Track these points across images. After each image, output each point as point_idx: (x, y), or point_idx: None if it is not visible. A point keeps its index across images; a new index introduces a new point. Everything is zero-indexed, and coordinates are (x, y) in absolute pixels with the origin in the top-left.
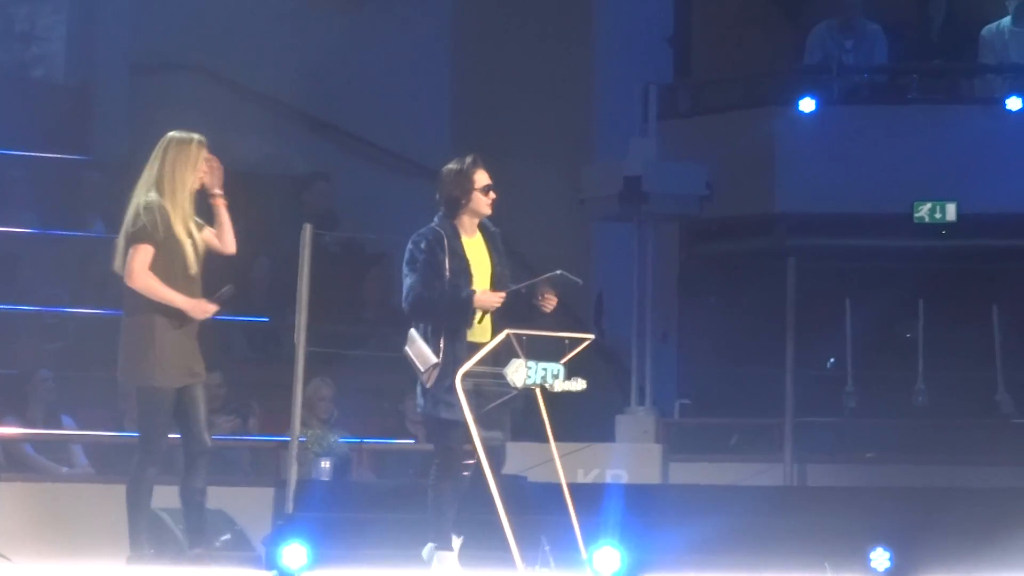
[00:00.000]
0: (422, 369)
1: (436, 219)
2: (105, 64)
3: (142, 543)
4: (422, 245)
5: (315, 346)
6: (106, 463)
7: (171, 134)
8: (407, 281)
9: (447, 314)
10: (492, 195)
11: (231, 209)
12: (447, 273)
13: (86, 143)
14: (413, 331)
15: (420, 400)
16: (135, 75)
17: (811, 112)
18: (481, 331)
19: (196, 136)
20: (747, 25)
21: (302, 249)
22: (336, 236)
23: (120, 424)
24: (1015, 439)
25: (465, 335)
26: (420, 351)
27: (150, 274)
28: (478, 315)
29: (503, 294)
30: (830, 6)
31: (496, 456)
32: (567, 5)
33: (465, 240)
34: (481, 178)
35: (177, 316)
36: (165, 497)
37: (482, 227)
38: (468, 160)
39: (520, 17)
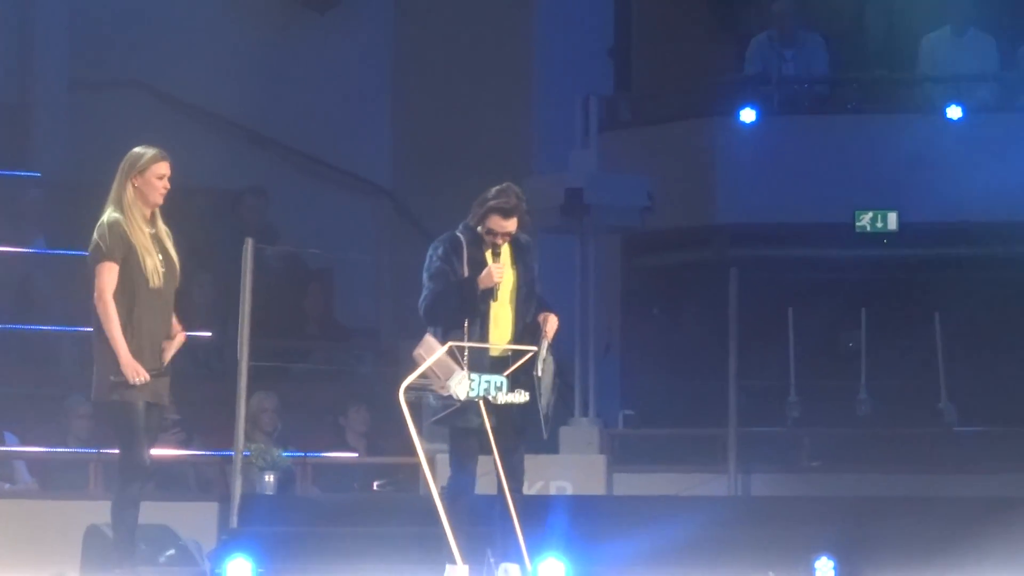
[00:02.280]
0: (440, 376)
1: (460, 225)
2: (44, 81)
3: (126, 561)
4: (439, 251)
5: (258, 361)
6: (49, 480)
7: (133, 149)
8: (425, 288)
9: (457, 302)
10: (498, 240)
11: (173, 223)
12: (461, 275)
13: (26, 160)
14: (430, 337)
15: (433, 404)
16: (74, 91)
17: (752, 123)
18: (504, 330)
19: (152, 150)
20: (687, 36)
21: (244, 264)
22: (277, 250)
23: (64, 440)
24: (958, 448)
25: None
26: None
27: (111, 303)
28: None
29: (500, 265)
30: (769, 17)
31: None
32: (507, 18)
33: (487, 251)
34: (492, 223)
35: (146, 333)
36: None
37: (513, 238)
38: (493, 203)
39: (460, 30)
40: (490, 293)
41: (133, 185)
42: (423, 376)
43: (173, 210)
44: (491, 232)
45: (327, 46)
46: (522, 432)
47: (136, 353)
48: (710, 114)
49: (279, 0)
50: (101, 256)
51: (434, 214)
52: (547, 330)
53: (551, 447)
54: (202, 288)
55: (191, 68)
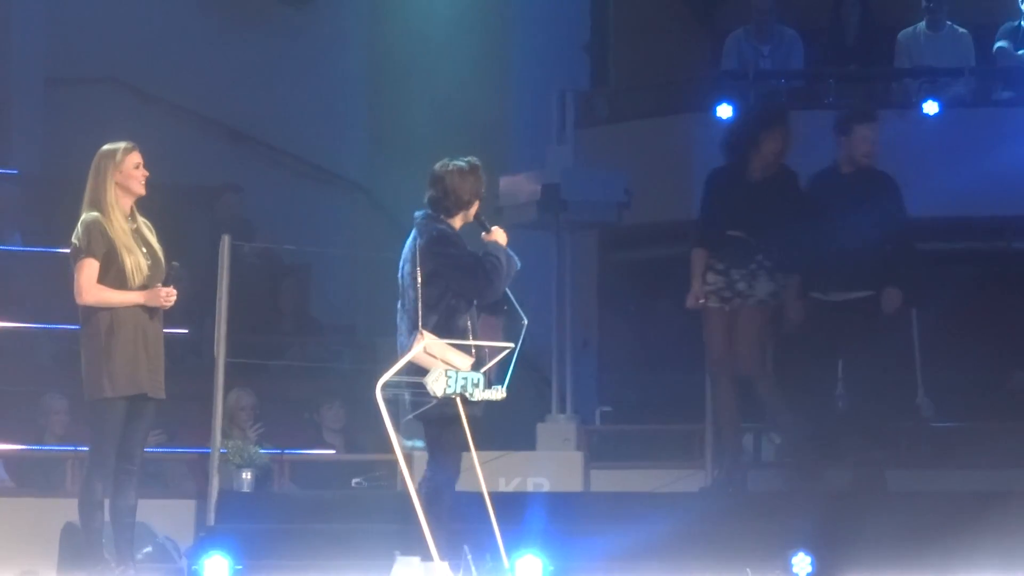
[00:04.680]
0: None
1: (427, 219)
2: (21, 77)
3: (98, 559)
4: (455, 242)
5: (234, 357)
6: (26, 477)
7: (103, 148)
8: (459, 274)
9: (507, 267)
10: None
11: (149, 220)
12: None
13: (2, 157)
14: (429, 335)
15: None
16: (51, 88)
17: (728, 118)
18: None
19: (123, 144)
20: (664, 32)
21: (220, 260)
22: (254, 247)
23: (40, 438)
24: (935, 442)
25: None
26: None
27: (98, 286)
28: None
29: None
30: (745, 12)
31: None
32: (483, 13)
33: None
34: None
35: (132, 327)
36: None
37: None
38: (477, 164)
39: (436, 25)
40: None
41: (114, 181)
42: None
43: (149, 207)
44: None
45: (302, 42)
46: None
47: (122, 352)
48: (687, 110)
49: None
50: (79, 253)
51: (410, 210)
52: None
53: (528, 444)
54: (178, 284)
55: (167, 65)
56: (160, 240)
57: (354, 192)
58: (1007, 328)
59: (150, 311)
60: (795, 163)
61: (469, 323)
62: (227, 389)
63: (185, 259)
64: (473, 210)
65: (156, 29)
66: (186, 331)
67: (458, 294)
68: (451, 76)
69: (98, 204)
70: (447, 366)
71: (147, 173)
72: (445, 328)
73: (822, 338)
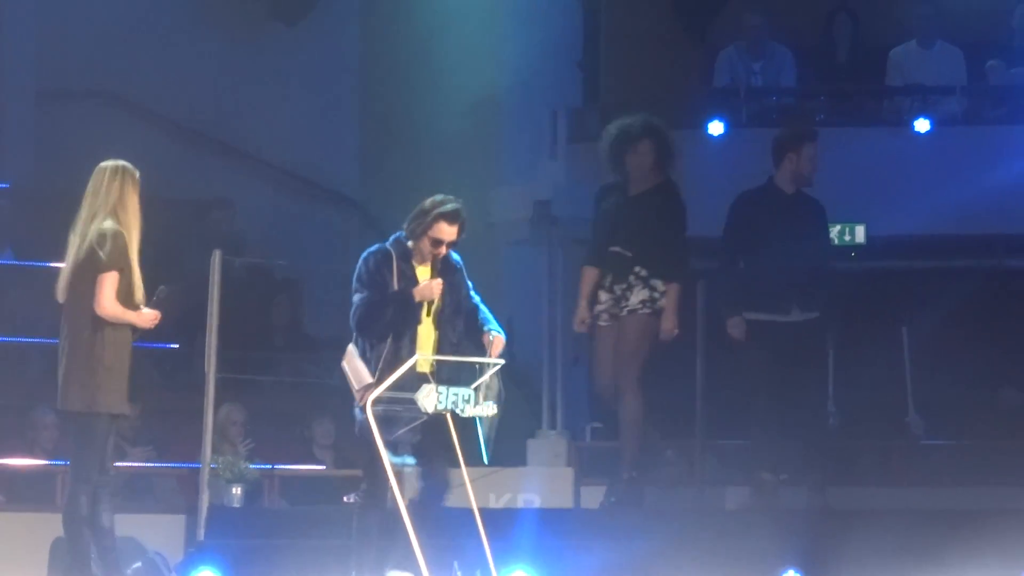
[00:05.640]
0: (356, 387)
1: (392, 238)
2: (12, 91)
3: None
4: (370, 262)
5: (225, 372)
6: (15, 492)
7: (120, 162)
8: (354, 298)
9: (392, 315)
10: (441, 250)
11: (141, 234)
12: (390, 286)
13: None
14: (351, 347)
15: (358, 417)
16: (42, 102)
17: (720, 135)
18: (427, 342)
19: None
20: (656, 48)
21: (211, 275)
22: (245, 262)
23: (30, 452)
24: (926, 461)
25: (407, 358)
26: (356, 368)
27: (117, 303)
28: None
29: (440, 281)
30: (737, 29)
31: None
32: (475, 29)
33: (417, 265)
34: (438, 231)
35: (120, 343)
36: None
37: (444, 259)
38: (440, 210)
39: (428, 41)
40: (419, 308)
41: (131, 198)
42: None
43: (141, 221)
44: (436, 241)
45: (294, 57)
46: (448, 447)
47: (117, 369)
48: (678, 126)
49: (247, 11)
50: (111, 264)
51: (401, 225)
52: (492, 348)
53: (519, 460)
54: (170, 299)
55: (159, 79)
56: (148, 256)
57: (346, 207)
58: (998, 345)
59: (133, 330)
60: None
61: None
62: (218, 404)
63: (176, 274)
64: (428, 248)
65: (148, 43)
66: (177, 346)
67: None
68: (443, 90)
69: (120, 217)
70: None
71: None
72: (370, 347)
73: (776, 358)
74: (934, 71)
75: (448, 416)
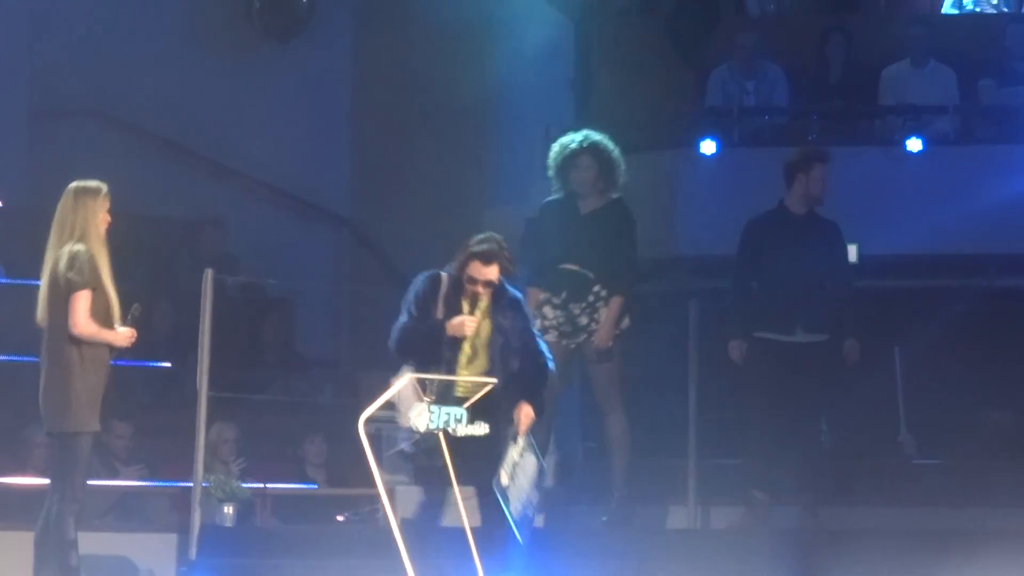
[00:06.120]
0: (400, 410)
1: (449, 264)
2: (3, 109)
3: None
4: (420, 286)
5: (217, 391)
6: (6, 510)
7: (82, 184)
8: (399, 318)
9: (424, 341)
10: (477, 289)
11: (133, 253)
12: (436, 315)
13: None
14: (406, 369)
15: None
16: (34, 120)
17: (712, 154)
18: (473, 385)
19: (103, 186)
20: (648, 67)
21: (203, 294)
22: (237, 281)
23: (22, 470)
24: (918, 480)
25: (453, 385)
26: (404, 392)
27: (91, 321)
28: (465, 358)
29: (475, 318)
30: (730, 48)
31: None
32: (467, 47)
33: (465, 299)
34: (473, 270)
35: (97, 362)
36: None
37: (503, 290)
38: (473, 249)
39: (420, 60)
40: (459, 341)
41: (96, 221)
42: (392, 408)
43: (133, 240)
44: (472, 279)
45: (287, 76)
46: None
47: (95, 388)
48: (671, 146)
49: (240, 30)
50: (78, 284)
51: (394, 244)
52: (520, 425)
53: None
54: (161, 318)
55: (151, 97)
56: (140, 274)
57: (338, 226)
58: (990, 365)
59: (111, 350)
60: (767, 200)
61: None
62: (209, 423)
63: (168, 292)
64: (467, 285)
65: (140, 62)
66: (169, 365)
67: None
68: (435, 109)
69: (87, 238)
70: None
71: (109, 219)
72: (417, 371)
73: (777, 378)
74: (926, 91)
75: (441, 435)
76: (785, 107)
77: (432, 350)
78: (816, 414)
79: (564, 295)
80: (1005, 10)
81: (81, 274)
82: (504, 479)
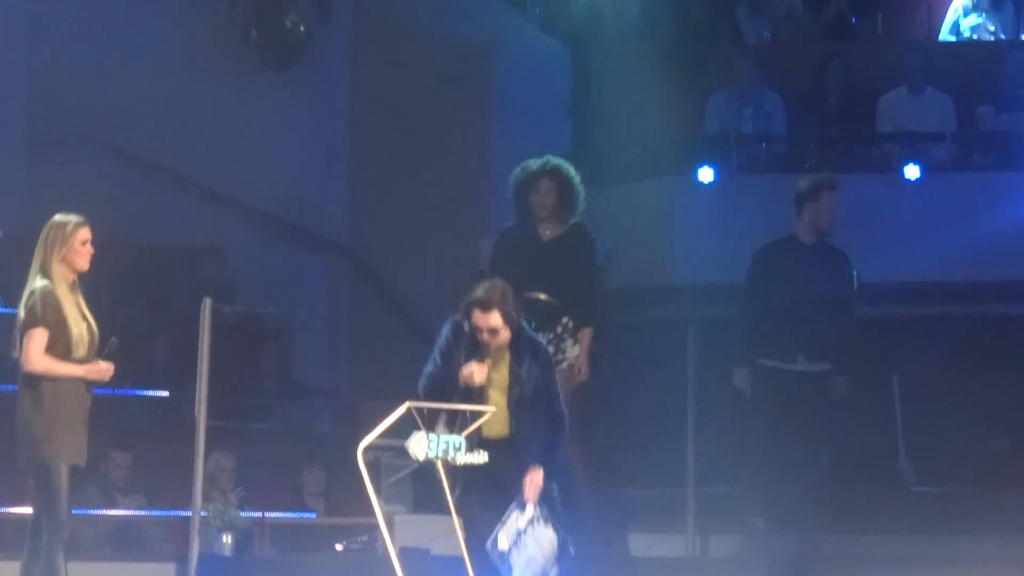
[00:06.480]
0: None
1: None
2: (1, 138)
3: None
4: (447, 331)
5: (215, 420)
6: (3, 539)
7: (55, 218)
8: (428, 363)
9: (446, 391)
10: (483, 336)
11: (132, 282)
12: (459, 363)
13: None
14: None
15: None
16: (32, 149)
17: (710, 182)
18: (499, 424)
19: (75, 218)
20: (645, 95)
21: (201, 323)
22: (235, 309)
23: (19, 501)
24: (917, 507)
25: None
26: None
27: (46, 356)
28: (501, 419)
29: (484, 367)
30: (727, 75)
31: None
32: (465, 75)
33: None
34: (475, 318)
35: (72, 394)
36: None
37: (522, 338)
38: (472, 296)
39: (418, 88)
40: (481, 390)
41: (60, 255)
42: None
43: (131, 268)
44: (477, 328)
45: (284, 104)
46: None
47: (67, 421)
48: (668, 173)
49: (238, 59)
50: (33, 322)
51: (392, 272)
52: (527, 492)
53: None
54: (160, 347)
55: (148, 126)
56: (138, 303)
57: (336, 255)
58: (988, 393)
59: (87, 383)
60: (779, 228)
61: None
62: (208, 452)
63: (166, 321)
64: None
65: (138, 91)
66: (167, 394)
67: None
68: (433, 137)
69: (47, 274)
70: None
71: (92, 250)
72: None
73: (782, 406)
74: (924, 118)
75: (439, 464)
76: (783, 134)
77: (456, 398)
78: (816, 442)
79: (532, 325)
80: (1002, 37)
81: (32, 312)
82: (503, 543)
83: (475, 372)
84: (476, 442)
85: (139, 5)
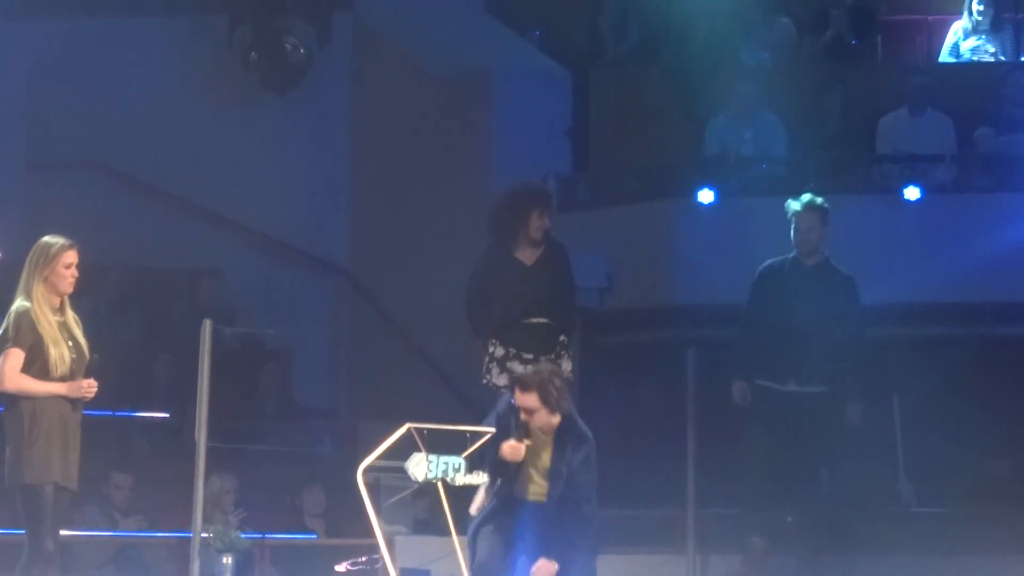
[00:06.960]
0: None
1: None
2: (1, 161)
3: None
4: (500, 404)
5: (215, 441)
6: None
7: (41, 239)
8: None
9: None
10: (523, 416)
11: (132, 304)
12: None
13: None
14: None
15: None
16: (32, 172)
17: (710, 203)
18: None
19: (61, 241)
20: (645, 117)
21: (201, 345)
22: (235, 331)
23: (15, 522)
24: (916, 528)
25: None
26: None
27: (22, 376)
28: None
29: (523, 445)
30: (727, 97)
31: None
32: (465, 97)
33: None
34: (516, 396)
35: (52, 413)
36: None
37: (570, 428)
38: (519, 374)
39: (419, 111)
40: (522, 463)
41: (43, 276)
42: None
43: (131, 291)
44: (519, 407)
45: (285, 127)
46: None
47: (44, 441)
48: (668, 195)
49: (238, 81)
50: (6, 342)
51: (392, 294)
52: None
53: None
54: (160, 368)
55: (148, 148)
56: (138, 325)
57: (336, 277)
58: (988, 414)
59: (72, 402)
60: (779, 250)
61: None
62: (208, 473)
63: (166, 343)
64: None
65: (138, 114)
66: (167, 415)
67: None
68: (434, 159)
69: (29, 294)
70: None
71: (76, 275)
72: None
73: (778, 427)
74: (924, 139)
75: (439, 485)
76: (783, 156)
77: (503, 467)
78: (815, 463)
79: (534, 350)
80: (1002, 59)
81: (6, 333)
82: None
83: (509, 450)
84: (514, 503)
85: (139, 28)
